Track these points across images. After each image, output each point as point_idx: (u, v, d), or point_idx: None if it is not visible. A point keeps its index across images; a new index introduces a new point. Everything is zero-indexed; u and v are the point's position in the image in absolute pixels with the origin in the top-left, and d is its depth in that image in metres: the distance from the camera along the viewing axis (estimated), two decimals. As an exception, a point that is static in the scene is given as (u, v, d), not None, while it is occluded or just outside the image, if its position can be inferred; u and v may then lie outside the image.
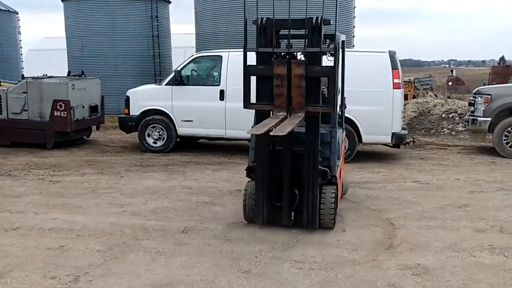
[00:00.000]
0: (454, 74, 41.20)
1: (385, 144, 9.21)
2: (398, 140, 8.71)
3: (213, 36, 15.25)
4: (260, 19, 4.87)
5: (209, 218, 5.54)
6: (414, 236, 5.01)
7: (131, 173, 7.90)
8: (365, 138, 8.72)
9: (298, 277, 4.04)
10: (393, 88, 8.47)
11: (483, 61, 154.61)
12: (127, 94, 9.95)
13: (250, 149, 5.45)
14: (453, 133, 12.90)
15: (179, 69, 9.42)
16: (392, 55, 8.60)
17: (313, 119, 4.92)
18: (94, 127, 11.03)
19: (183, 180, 7.38)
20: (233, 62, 9.09)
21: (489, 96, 9.59)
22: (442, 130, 13.17)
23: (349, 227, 5.27)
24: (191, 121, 9.38)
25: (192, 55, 9.60)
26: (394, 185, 7.19)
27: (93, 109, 10.50)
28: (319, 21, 4.72)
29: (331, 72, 4.76)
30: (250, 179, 5.32)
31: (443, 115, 14.08)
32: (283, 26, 4.92)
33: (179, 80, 9.29)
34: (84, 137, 10.78)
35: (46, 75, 10.32)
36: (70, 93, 9.73)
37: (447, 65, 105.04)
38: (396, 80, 8.50)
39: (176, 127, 9.49)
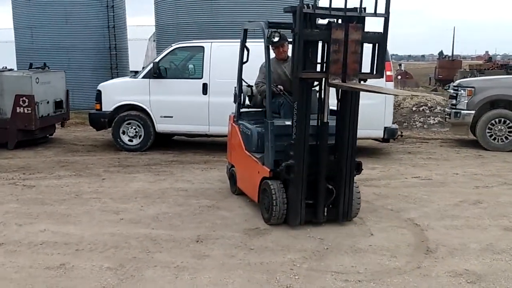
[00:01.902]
0: (402, 68, 42.21)
1: (374, 139, 8.96)
2: (390, 134, 8.48)
3: (175, 28, 14.54)
4: None
5: (220, 225, 5.01)
6: (446, 237, 4.71)
7: (113, 174, 7.20)
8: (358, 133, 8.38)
9: (348, 291, 3.62)
10: (386, 81, 8.19)
11: (423, 56, 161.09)
12: (99, 88, 9.12)
13: (268, 147, 4.94)
14: (425, 126, 12.91)
15: (157, 60, 8.71)
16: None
17: (352, 103, 4.69)
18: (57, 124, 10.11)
19: (174, 182, 6.77)
20: (216, 53, 8.54)
21: (472, 89, 9.55)
22: (414, 124, 13.16)
23: (375, 230, 4.90)
24: (171, 117, 8.71)
25: (171, 46, 8.92)
26: (397, 181, 6.91)
27: (58, 104, 9.59)
28: None
29: (383, 38, 4.55)
30: (272, 180, 4.86)
31: (414, 108, 14.12)
32: None
33: (158, 72, 8.59)
34: (48, 135, 9.85)
35: (6, 67, 9.32)
36: (34, 87, 8.79)
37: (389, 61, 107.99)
38: (388, 73, 8.22)
39: (154, 123, 8.79)
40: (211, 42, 8.71)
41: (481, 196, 6.18)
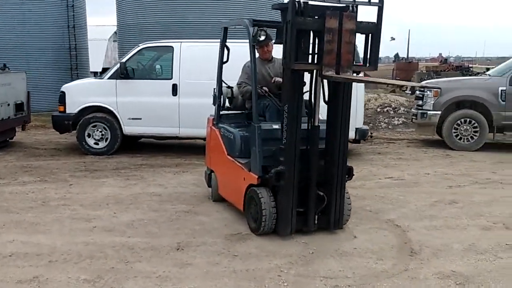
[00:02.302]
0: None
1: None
2: (361, 135, 8.50)
3: (138, 28, 14.21)
4: None
5: (200, 231, 4.84)
6: (428, 238, 4.71)
7: (80, 179, 6.88)
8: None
9: (339, 297, 3.53)
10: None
11: (379, 58, 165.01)
12: (62, 89, 8.73)
13: (255, 153, 4.66)
14: (390, 126, 13.09)
15: (124, 61, 8.42)
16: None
17: (344, 102, 4.52)
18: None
19: (146, 186, 6.53)
20: (186, 53, 8.34)
21: (439, 90, 9.71)
22: (379, 124, 13.32)
23: (357, 232, 4.84)
24: (140, 119, 8.44)
25: (138, 46, 8.64)
26: (371, 182, 6.91)
27: (18, 107, 9.14)
28: None
29: (377, 28, 4.38)
30: (260, 187, 4.59)
31: (378, 109, 14.31)
32: None
33: (125, 73, 8.30)
34: (8, 139, 9.35)
35: (-37, 68, 8.81)
36: (-7, 88, 8.36)
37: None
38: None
39: (122, 125, 8.49)
40: (181, 42, 8.50)
41: (456, 195, 6.25)
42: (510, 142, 10.31)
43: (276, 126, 4.71)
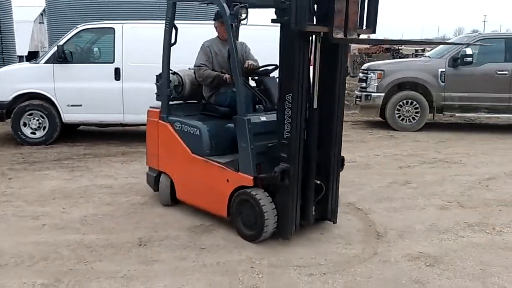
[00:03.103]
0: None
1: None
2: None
3: (71, 8, 13.40)
4: None
5: (161, 224, 4.59)
6: (391, 220, 4.76)
7: (19, 173, 6.37)
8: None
9: (316, 286, 3.45)
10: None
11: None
12: (-7, 75, 8.05)
13: (247, 150, 4.08)
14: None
15: (61, 43, 7.85)
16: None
17: (342, 78, 4.08)
18: None
19: (94, 178, 6.15)
20: (129, 35, 7.91)
21: (382, 72, 9.90)
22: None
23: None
24: (80, 105, 7.93)
25: (76, 27, 8.08)
26: (325, 165, 6.92)
27: None
28: None
29: None
30: (255, 189, 4.09)
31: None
32: None
33: (63, 57, 7.74)
34: None
35: None
36: None
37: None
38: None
39: (61, 113, 7.95)
40: (122, 23, 8.04)
41: (408, 176, 6.38)
42: (449, 122, 10.76)
43: (263, 118, 4.27)
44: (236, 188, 4.22)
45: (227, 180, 4.28)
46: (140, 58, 7.75)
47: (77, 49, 8.13)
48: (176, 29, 4.86)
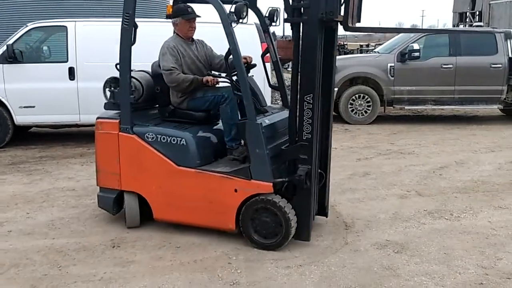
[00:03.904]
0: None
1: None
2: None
3: (16, 6, 12.92)
4: None
5: (131, 224, 4.57)
6: (356, 211, 4.95)
7: (-27, 178, 6.12)
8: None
9: (294, 278, 3.57)
10: (264, 62, 8.24)
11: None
12: None
13: (262, 156, 3.88)
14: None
15: (11, 43, 7.56)
16: (258, 27, 8.35)
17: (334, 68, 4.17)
18: None
19: (55, 181, 6.00)
20: (82, 33, 7.72)
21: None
22: (276, 102, 13.62)
23: (290, 211, 4.92)
24: (33, 107, 7.66)
25: (27, 26, 7.80)
26: (287, 160, 7.06)
27: None
28: None
29: None
30: (273, 195, 3.92)
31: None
32: None
33: (13, 56, 7.46)
34: None
35: None
36: None
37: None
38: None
39: (13, 115, 7.66)
40: (75, 21, 7.83)
41: (366, 167, 6.63)
42: (399, 114, 11.20)
43: (267, 121, 4.13)
44: (248, 197, 3.98)
45: (235, 190, 3.99)
46: (95, 57, 7.58)
47: (27, 48, 7.86)
48: (136, 27, 4.29)
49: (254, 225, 4.00)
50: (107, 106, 4.49)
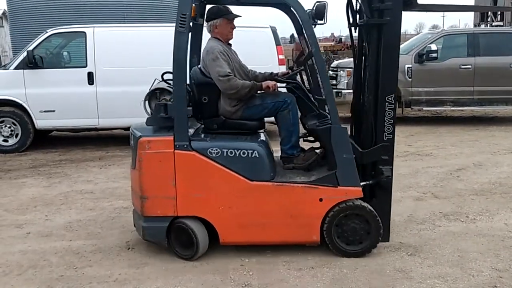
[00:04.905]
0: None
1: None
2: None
3: (33, 11, 13.20)
4: None
5: (146, 226, 4.63)
6: (371, 213, 4.93)
7: (-5, 181, 6.28)
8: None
9: (306, 280, 3.58)
10: (279, 65, 8.30)
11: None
12: (-40, 82, 7.86)
13: (349, 161, 3.79)
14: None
15: (31, 48, 7.74)
16: (274, 30, 8.40)
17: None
18: None
19: (73, 184, 6.12)
20: (101, 39, 7.88)
21: (351, 70, 10.11)
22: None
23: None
24: (53, 111, 7.85)
25: (46, 32, 7.98)
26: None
27: None
28: None
29: None
30: (359, 200, 3.86)
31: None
32: None
33: (33, 62, 7.65)
34: None
35: None
36: None
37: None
38: (281, 56, 8.35)
39: (33, 119, 7.86)
40: (94, 27, 7.99)
41: (382, 170, 6.58)
42: (417, 116, 11.10)
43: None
44: (333, 206, 3.83)
45: (320, 200, 3.80)
46: (113, 62, 7.75)
47: (47, 54, 8.04)
48: (191, 30, 3.95)
49: (340, 233, 3.88)
50: (151, 122, 3.91)
